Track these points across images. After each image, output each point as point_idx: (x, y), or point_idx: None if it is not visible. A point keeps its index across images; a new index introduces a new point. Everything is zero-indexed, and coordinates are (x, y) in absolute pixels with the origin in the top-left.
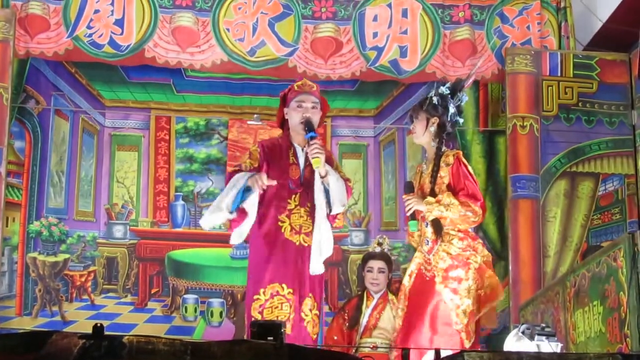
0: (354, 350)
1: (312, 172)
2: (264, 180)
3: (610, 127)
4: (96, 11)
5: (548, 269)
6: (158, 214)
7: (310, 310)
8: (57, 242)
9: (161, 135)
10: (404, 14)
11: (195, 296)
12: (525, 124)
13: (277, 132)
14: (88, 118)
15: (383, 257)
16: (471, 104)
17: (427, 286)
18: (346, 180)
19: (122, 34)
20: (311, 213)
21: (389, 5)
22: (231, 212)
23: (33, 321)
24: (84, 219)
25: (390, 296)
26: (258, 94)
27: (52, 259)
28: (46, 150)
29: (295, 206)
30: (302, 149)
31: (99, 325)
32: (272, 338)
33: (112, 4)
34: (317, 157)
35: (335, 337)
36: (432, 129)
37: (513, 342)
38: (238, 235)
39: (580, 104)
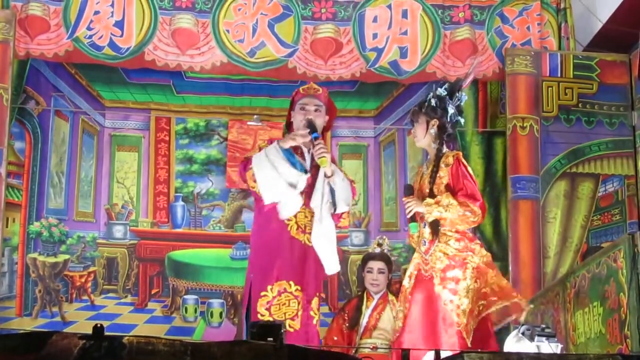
0: (353, 351)
1: (318, 172)
2: (296, 133)
3: (610, 128)
4: (96, 12)
5: (548, 270)
6: (158, 214)
7: (318, 308)
8: (57, 242)
9: (161, 136)
10: (404, 14)
11: (196, 297)
12: (525, 124)
13: (277, 132)
14: (88, 119)
15: (383, 257)
16: (471, 105)
17: (426, 287)
18: (351, 181)
19: (122, 35)
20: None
21: (389, 7)
22: (307, 172)
23: (33, 322)
24: (84, 219)
25: (390, 297)
26: (258, 94)
27: (52, 259)
28: (46, 151)
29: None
30: (308, 151)
31: (99, 325)
32: (271, 339)
33: (112, 5)
34: (324, 156)
35: (335, 338)
36: (432, 131)
37: (513, 343)
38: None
39: (580, 104)
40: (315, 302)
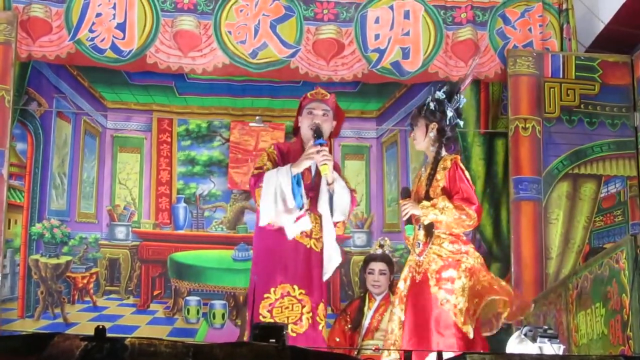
0: (356, 352)
1: (322, 178)
2: (308, 152)
3: (612, 129)
4: (98, 15)
5: (550, 271)
6: (160, 215)
7: (324, 314)
8: (59, 244)
9: (163, 137)
10: (406, 15)
11: (198, 298)
12: (527, 125)
13: (279, 133)
14: (90, 120)
15: (384, 258)
16: (472, 106)
17: (421, 289)
18: (352, 190)
19: (124, 38)
20: (321, 219)
21: (391, 7)
22: (300, 209)
23: (35, 323)
24: (86, 220)
25: (392, 298)
26: (260, 95)
27: (54, 261)
28: (48, 152)
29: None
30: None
31: (101, 327)
32: (274, 340)
33: (113, 7)
34: (325, 164)
35: (338, 339)
36: (432, 134)
37: (515, 344)
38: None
39: (582, 105)
40: (321, 307)
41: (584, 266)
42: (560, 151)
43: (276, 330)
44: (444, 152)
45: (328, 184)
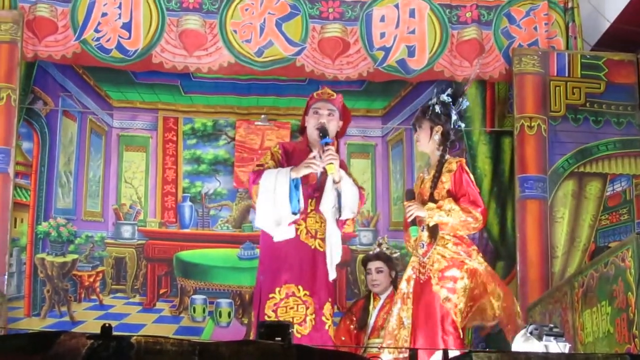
0: (362, 351)
1: (327, 177)
2: (309, 160)
3: (618, 128)
4: (104, 14)
5: (556, 270)
6: (166, 214)
7: (330, 314)
8: (66, 242)
9: (169, 136)
10: (412, 14)
11: (204, 297)
12: (532, 124)
13: (285, 132)
14: (96, 119)
15: (379, 257)
16: (478, 105)
17: (424, 289)
18: (360, 188)
19: (129, 38)
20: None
21: (396, 6)
22: (295, 214)
23: (42, 322)
24: (92, 219)
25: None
26: (265, 94)
27: (60, 259)
28: (54, 151)
29: (312, 210)
30: (320, 157)
31: (107, 325)
32: (280, 338)
33: (119, 7)
34: (331, 163)
35: (343, 338)
36: (436, 137)
37: (521, 343)
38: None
39: (587, 104)
40: (327, 307)
41: (590, 264)
42: (565, 150)
43: (282, 328)
44: (447, 155)
45: (335, 183)
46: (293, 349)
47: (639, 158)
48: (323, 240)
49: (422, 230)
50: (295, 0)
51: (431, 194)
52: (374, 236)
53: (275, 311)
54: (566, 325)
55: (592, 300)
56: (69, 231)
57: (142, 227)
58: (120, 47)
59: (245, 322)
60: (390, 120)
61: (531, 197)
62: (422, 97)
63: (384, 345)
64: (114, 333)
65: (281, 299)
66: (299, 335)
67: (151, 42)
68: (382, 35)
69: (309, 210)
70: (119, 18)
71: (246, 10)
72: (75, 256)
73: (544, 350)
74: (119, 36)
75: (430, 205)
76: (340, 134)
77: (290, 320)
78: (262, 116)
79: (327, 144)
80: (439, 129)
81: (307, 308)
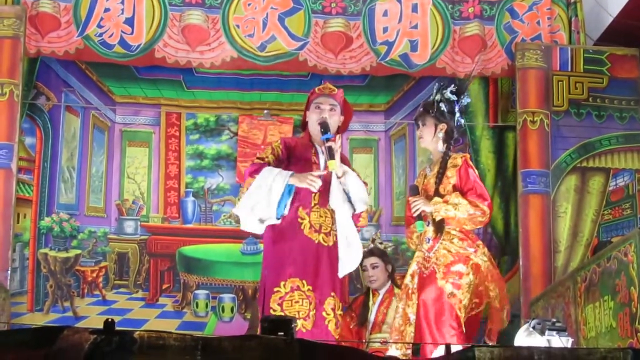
0: (365, 346)
1: (332, 173)
2: (314, 177)
3: (620, 122)
4: (106, 10)
5: (559, 264)
6: (169, 209)
7: (333, 309)
8: (68, 237)
9: (171, 131)
10: (414, 9)
11: (206, 292)
12: (535, 119)
13: (287, 127)
14: (98, 114)
15: (373, 252)
16: (481, 100)
17: (429, 284)
18: (363, 182)
19: (132, 33)
20: (332, 214)
21: (399, 1)
22: (278, 219)
23: (45, 317)
24: (95, 214)
25: (396, 290)
26: (268, 89)
27: (63, 254)
28: (57, 146)
29: (315, 205)
30: (322, 151)
31: (110, 320)
32: (282, 333)
33: (122, 2)
34: (332, 158)
35: (344, 334)
36: (440, 134)
37: (524, 337)
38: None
39: (590, 99)
40: (328, 302)
41: (593, 259)
42: (568, 144)
43: (285, 323)
44: (451, 151)
45: (338, 178)
46: (295, 344)
47: None
48: (327, 234)
49: (428, 225)
50: None
51: (436, 189)
52: (377, 231)
53: (280, 305)
54: (569, 320)
55: (595, 294)
56: (71, 226)
57: (144, 222)
58: (122, 42)
59: (248, 317)
60: (393, 115)
61: (534, 191)
62: (425, 92)
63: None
64: (117, 328)
65: (286, 293)
66: (304, 330)
67: (154, 37)
68: (385, 29)
69: (312, 205)
70: (122, 13)
71: (249, 5)
72: (78, 251)
73: (547, 345)
74: (122, 31)
75: (437, 199)
76: (342, 129)
77: (296, 314)
78: (265, 111)
79: (327, 139)
80: (443, 126)
81: (310, 303)
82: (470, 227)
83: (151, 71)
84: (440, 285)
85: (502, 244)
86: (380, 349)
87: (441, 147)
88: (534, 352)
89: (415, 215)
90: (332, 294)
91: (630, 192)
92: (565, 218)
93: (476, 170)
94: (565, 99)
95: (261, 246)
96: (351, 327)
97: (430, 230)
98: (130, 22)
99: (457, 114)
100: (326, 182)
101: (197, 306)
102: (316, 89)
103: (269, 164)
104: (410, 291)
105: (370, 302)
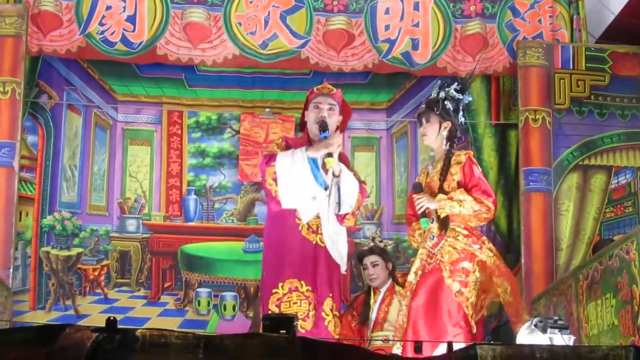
0: (367, 344)
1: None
2: (327, 142)
3: (622, 120)
4: (108, 7)
5: (561, 262)
6: (171, 208)
7: (332, 310)
8: (70, 236)
9: (173, 129)
10: (416, 7)
11: (208, 290)
12: (537, 117)
13: (289, 125)
14: (100, 112)
15: (373, 251)
16: (483, 98)
17: (433, 280)
18: (361, 182)
19: (134, 30)
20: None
21: None
22: (326, 189)
23: (47, 315)
24: (97, 213)
25: (397, 288)
26: (270, 87)
27: (65, 253)
28: (59, 144)
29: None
30: None
31: (112, 318)
32: (284, 331)
33: (123, 0)
34: (330, 156)
35: (345, 333)
36: (444, 132)
37: (526, 335)
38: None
39: (592, 96)
40: (327, 303)
41: (595, 257)
42: (570, 142)
43: (287, 321)
44: (454, 149)
45: (335, 176)
46: (297, 342)
47: None
48: (323, 235)
49: (432, 222)
50: None
51: (440, 187)
52: (378, 229)
53: (278, 306)
54: (571, 318)
55: (597, 292)
56: (73, 225)
57: (146, 220)
58: (124, 40)
59: (250, 315)
60: (394, 113)
61: (536, 189)
62: (427, 90)
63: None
64: (119, 326)
65: (284, 294)
66: (302, 331)
67: (155, 35)
68: (387, 27)
69: None
70: (124, 11)
71: (250, 3)
72: (80, 250)
73: (549, 343)
74: (124, 29)
75: (441, 196)
76: (341, 128)
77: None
78: (267, 109)
79: (325, 137)
80: (447, 124)
81: (309, 304)
82: (475, 223)
83: (153, 69)
84: (448, 283)
85: (506, 242)
86: (382, 347)
87: (445, 144)
88: (535, 350)
89: (419, 212)
90: (331, 294)
91: (632, 190)
92: (567, 216)
93: (479, 167)
94: (567, 97)
95: (263, 244)
96: (352, 325)
97: (434, 227)
98: (132, 19)
99: (461, 112)
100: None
101: (199, 304)
102: (315, 89)
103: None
104: (411, 288)
105: (372, 301)
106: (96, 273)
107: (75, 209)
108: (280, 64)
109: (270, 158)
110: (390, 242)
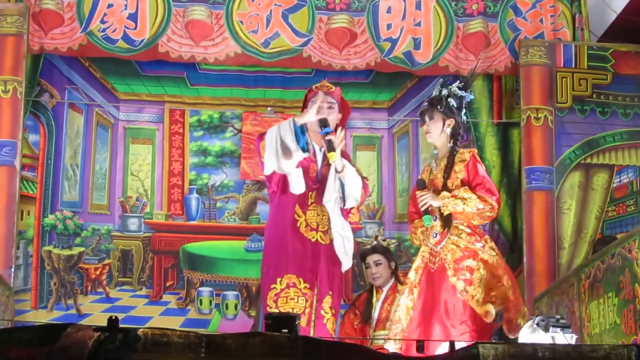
0: (369, 343)
1: (329, 170)
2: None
3: (624, 119)
4: (110, 5)
5: (563, 261)
6: (172, 206)
7: (331, 308)
8: (72, 235)
9: (175, 128)
10: (418, 6)
11: (210, 289)
12: (539, 115)
13: None
14: (102, 111)
15: (376, 250)
16: (485, 97)
17: (438, 279)
18: (363, 178)
19: (135, 28)
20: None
21: None
22: (305, 151)
23: (48, 314)
24: (98, 212)
25: (400, 287)
26: (272, 86)
27: (67, 252)
28: (60, 143)
29: (312, 203)
30: (320, 148)
31: (114, 317)
32: (286, 330)
33: None
34: (332, 151)
35: (347, 332)
36: (448, 130)
37: (528, 334)
38: (295, 185)
39: (594, 95)
40: (327, 300)
41: (596, 256)
42: (572, 141)
43: (289, 320)
44: (458, 146)
45: (337, 172)
46: (299, 341)
47: None
48: (325, 232)
49: (435, 220)
50: None
51: (444, 184)
52: (380, 228)
53: (275, 301)
54: (573, 317)
55: (599, 291)
56: (75, 224)
57: (148, 219)
58: (126, 38)
59: (252, 314)
60: (396, 112)
61: (538, 188)
62: (428, 89)
63: (391, 335)
64: (121, 325)
65: (282, 289)
66: None
67: (157, 32)
68: (389, 26)
69: (309, 203)
70: (125, 9)
71: (252, 1)
72: (82, 249)
73: (551, 342)
74: (125, 26)
75: (445, 194)
76: (340, 126)
77: (290, 310)
78: (269, 108)
79: (327, 133)
80: (451, 122)
81: (306, 301)
82: (478, 222)
83: (155, 68)
84: (452, 282)
85: (510, 241)
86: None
87: (449, 142)
88: (538, 349)
89: (422, 209)
90: (330, 292)
91: (634, 189)
92: (569, 215)
93: (483, 165)
94: (569, 96)
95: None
96: (355, 324)
97: (437, 225)
98: (133, 17)
99: (464, 110)
100: (324, 179)
101: (201, 303)
102: (314, 87)
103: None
104: (413, 285)
105: (374, 299)
106: (98, 272)
107: (76, 208)
108: (282, 62)
109: (263, 135)
110: (393, 241)
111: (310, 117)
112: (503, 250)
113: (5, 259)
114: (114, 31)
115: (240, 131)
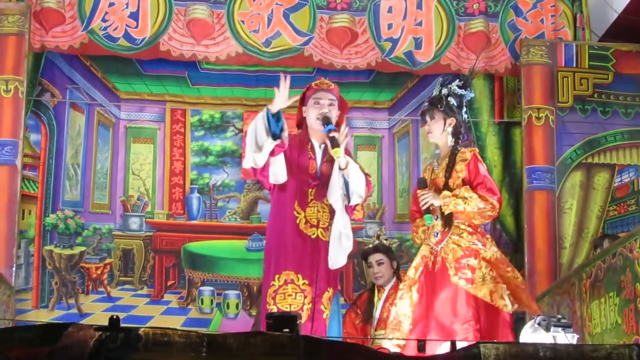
0: (370, 342)
1: (330, 167)
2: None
3: (625, 118)
4: (111, 4)
5: (564, 260)
6: (174, 206)
7: (330, 303)
8: (73, 234)
9: (176, 127)
10: (419, 5)
11: (212, 288)
12: (540, 115)
13: (292, 124)
14: (103, 111)
15: (378, 249)
16: (486, 96)
17: (440, 278)
18: (366, 175)
19: (136, 27)
20: (330, 208)
21: None
22: (276, 138)
23: (49, 314)
24: (99, 211)
25: (401, 286)
26: (273, 86)
27: (68, 251)
28: (62, 143)
29: (311, 200)
30: (320, 145)
31: (115, 317)
32: (287, 330)
33: None
34: (336, 147)
35: (348, 331)
36: (449, 129)
37: (529, 334)
38: (275, 175)
39: (595, 95)
40: (326, 296)
41: (598, 255)
42: (573, 140)
43: (290, 320)
44: (459, 146)
45: (341, 169)
46: (300, 340)
47: None
48: (325, 229)
49: (436, 219)
50: None
51: (445, 183)
52: (380, 228)
53: (274, 298)
54: (574, 316)
55: (600, 291)
56: (76, 223)
57: (149, 218)
58: (127, 36)
59: (253, 313)
60: (397, 112)
61: (539, 188)
62: (429, 89)
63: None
64: (122, 325)
65: (280, 286)
66: None
67: (158, 31)
68: (390, 26)
69: (308, 200)
70: (126, 7)
71: (254, 0)
72: (83, 248)
73: (552, 341)
74: (126, 25)
75: (446, 193)
76: (339, 123)
77: (288, 307)
78: None
79: (330, 130)
80: (452, 121)
81: (305, 297)
82: (479, 221)
83: (156, 67)
84: (454, 281)
85: (514, 241)
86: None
87: (450, 141)
88: (539, 348)
89: (424, 208)
90: (330, 288)
91: (635, 188)
92: (570, 214)
93: (484, 164)
94: (571, 95)
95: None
96: (356, 323)
97: (438, 224)
98: (134, 16)
99: (464, 108)
100: (326, 176)
101: (202, 303)
102: (313, 84)
103: None
104: (411, 284)
105: (376, 299)
106: (99, 271)
107: (78, 208)
108: (283, 61)
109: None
110: (394, 241)
111: (282, 101)
112: (507, 250)
113: (7, 259)
114: (115, 29)
115: (241, 131)
